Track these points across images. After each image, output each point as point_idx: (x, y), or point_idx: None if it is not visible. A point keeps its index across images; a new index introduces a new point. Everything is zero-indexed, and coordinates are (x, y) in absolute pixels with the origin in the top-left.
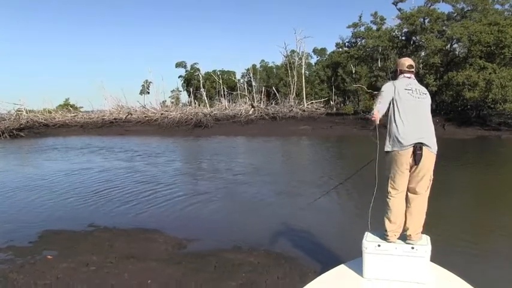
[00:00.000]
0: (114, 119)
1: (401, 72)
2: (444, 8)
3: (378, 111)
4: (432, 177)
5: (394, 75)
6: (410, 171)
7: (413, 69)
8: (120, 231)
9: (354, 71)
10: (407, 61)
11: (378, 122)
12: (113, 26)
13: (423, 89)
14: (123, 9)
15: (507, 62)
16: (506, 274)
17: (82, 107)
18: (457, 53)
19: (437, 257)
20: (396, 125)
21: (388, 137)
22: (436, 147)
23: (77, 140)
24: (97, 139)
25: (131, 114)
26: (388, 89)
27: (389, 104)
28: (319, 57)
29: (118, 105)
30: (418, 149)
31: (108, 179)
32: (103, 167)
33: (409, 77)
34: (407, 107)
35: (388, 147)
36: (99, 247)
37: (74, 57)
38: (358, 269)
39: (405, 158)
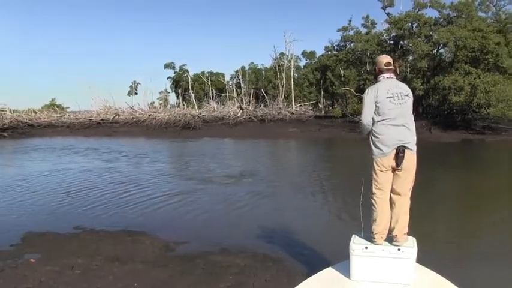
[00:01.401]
0: (102, 119)
1: (380, 71)
2: (431, 13)
3: (365, 122)
4: (414, 177)
5: (375, 74)
6: (393, 172)
7: (391, 67)
8: (106, 233)
9: (342, 74)
10: (385, 58)
11: (368, 130)
12: (101, 26)
13: (405, 90)
14: (111, 10)
15: (491, 67)
16: (491, 275)
17: (68, 108)
18: (443, 57)
19: (423, 259)
20: (379, 132)
21: (371, 142)
22: (415, 147)
23: (63, 140)
24: (83, 140)
25: (119, 115)
26: (368, 99)
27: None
28: (308, 60)
29: (105, 106)
30: (400, 152)
31: (93, 180)
32: (86, 168)
33: (389, 77)
34: (390, 115)
35: (371, 152)
36: (84, 250)
37: (61, 57)
38: (346, 272)
39: (388, 160)
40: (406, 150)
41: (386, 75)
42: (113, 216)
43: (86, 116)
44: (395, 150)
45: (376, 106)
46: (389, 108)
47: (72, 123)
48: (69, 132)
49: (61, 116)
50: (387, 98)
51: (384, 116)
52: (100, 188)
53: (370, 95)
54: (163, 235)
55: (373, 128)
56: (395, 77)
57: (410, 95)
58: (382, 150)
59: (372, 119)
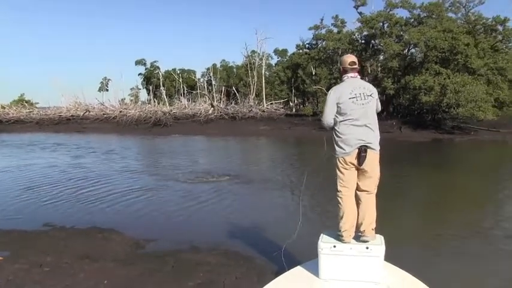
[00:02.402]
0: (72, 116)
1: (345, 70)
2: (402, 14)
3: (326, 123)
4: (379, 175)
5: (339, 74)
6: (358, 171)
7: (355, 66)
8: (76, 230)
9: (314, 73)
10: (349, 58)
11: (330, 127)
12: (71, 22)
13: (368, 90)
14: (81, 4)
15: (460, 68)
16: (458, 272)
17: (38, 103)
18: (414, 57)
19: (391, 257)
20: (341, 132)
21: (334, 142)
22: (378, 146)
23: (32, 136)
24: (53, 136)
25: (89, 112)
26: (330, 100)
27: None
28: (280, 58)
29: (76, 102)
30: (362, 151)
31: (60, 176)
32: (54, 164)
33: (353, 76)
34: (352, 115)
35: (334, 151)
36: (53, 247)
37: (30, 52)
38: (315, 270)
39: (350, 159)
40: (368, 149)
41: (351, 74)
42: (82, 212)
43: (55, 112)
44: (357, 150)
45: (338, 106)
46: (352, 109)
47: (42, 119)
48: (38, 128)
49: (30, 112)
50: (350, 98)
51: (346, 116)
52: (67, 184)
53: (332, 96)
54: (134, 232)
55: (336, 128)
56: (359, 77)
57: (374, 94)
58: (344, 150)
59: (335, 119)
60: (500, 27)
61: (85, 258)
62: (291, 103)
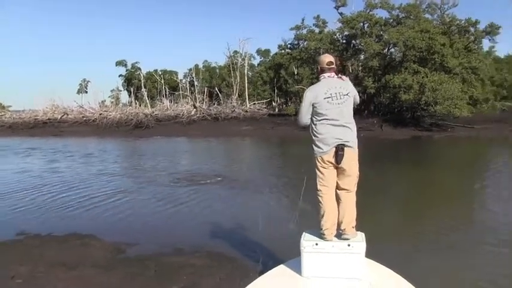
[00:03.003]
0: (48, 119)
1: (322, 70)
2: (382, 14)
3: (301, 123)
4: (358, 173)
5: (317, 73)
6: (337, 169)
7: (333, 66)
8: (52, 237)
9: (296, 73)
10: (326, 58)
11: (306, 126)
12: (49, 22)
13: (345, 89)
14: (58, 3)
15: (437, 67)
16: (437, 265)
17: (10, 106)
18: (393, 57)
19: (372, 253)
20: (318, 132)
21: (312, 142)
22: (356, 144)
23: (4, 141)
24: (28, 140)
25: (67, 114)
26: (306, 101)
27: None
28: (262, 58)
29: (53, 105)
30: (339, 150)
31: (34, 181)
32: (26, 169)
33: (330, 76)
34: (328, 115)
35: (313, 150)
36: (28, 256)
37: (3, 54)
38: (297, 268)
39: (329, 158)
40: (345, 148)
41: (327, 74)
42: (58, 219)
43: (31, 115)
44: (334, 149)
45: (314, 106)
46: (327, 109)
47: (15, 122)
48: (11, 132)
49: (2, 115)
50: (325, 98)
51: (323, 116)
52: (42, 189)
53: (308, 96)
54: (114, 237)
55: (313, 128)
56: (336, 76)
57: (351, 93)
58: (322, 149)
59: (312, 118)
60: (472, 29)
61: (62, 266)
62: (273, 103)
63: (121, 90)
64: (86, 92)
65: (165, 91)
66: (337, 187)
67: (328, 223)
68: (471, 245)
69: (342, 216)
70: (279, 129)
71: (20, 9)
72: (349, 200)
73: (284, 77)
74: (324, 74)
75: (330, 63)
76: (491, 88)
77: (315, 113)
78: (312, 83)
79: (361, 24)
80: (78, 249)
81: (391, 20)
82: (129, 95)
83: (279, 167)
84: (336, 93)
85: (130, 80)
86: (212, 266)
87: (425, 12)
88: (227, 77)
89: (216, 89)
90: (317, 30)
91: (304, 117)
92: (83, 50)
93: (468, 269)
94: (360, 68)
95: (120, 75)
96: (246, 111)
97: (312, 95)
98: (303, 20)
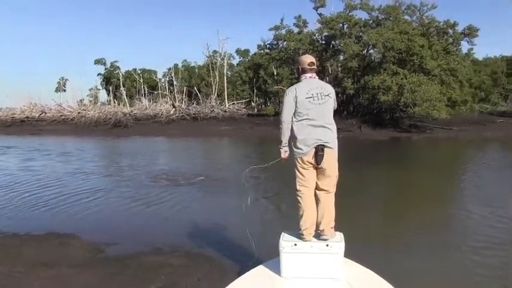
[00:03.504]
0: (26, 117)
1: (303, 71)
2: (361, 15)
3: (285, 121)
4: (337, 173)
5: (297, 74)
6: (316, 170)
7: (314, 66)
8: (30, 236)
9: (275, 73)
10: (308, 58)
11: (288, 130)
12: (28, 20)
13: (326, 90)
14: (39, 3)
15: (416, 68)
16: (418, 267)
17: None
18: (373, 58)
19: (351, 253)
20: (298, 132)
21: (291, 142)
22: (336, 145)
23: None
24: (4, 138)
25: (45, 113)
26: (288, 99)
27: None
28: (241, 58)
29: (30, 103)
30: (319, 151)
31: (11, 180)
32: (1, 167)
33: (311, 77)
34: (309, 115)
35: (293, 151)
36: (5, 256)
37: None
38: (276, 269)
39: (308, 158)
40: (325, 148)
41: (309, 74)
42: (35, 218)
43: (8, 113)
44: (314, 149)
45: (295, 106)
46: (308, 109)
47: None
48: None
49: None
50: (306, 98)
51: (303, 116)
52: (17, 188)
53: (290, 95)
54: (93, 236)
55: (293, 128)
56: (317, 77)
57: (332, 94)
58: (302, 150)
59: (292, 118)
60: (450, 31)
61: (41, 265)
62: (252, 103)
63: (100, 89)
64: (65, 90)
65: (144, 90)
66: (317, 187)
67: (307, 223)
68: (449, 246)
69: (320, 216)
70: (258, 129)
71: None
72: (328, 200)
73: (263, 77)
74: (305, 75)
75: (312, 63)
76: (469, 90)
77: (295, 113)
78: (292, 84)
79: (341, 25)
80: (57, 248)
81: (371, 21)
82: (108, 94)
83: (257, 168)
84: (317, 94)
85: (109, 79)
86: (191, 266)
87: (404, 13)
88: (206, 77)
89: (195, 89)
90: (296, 30)
91: (288, 115)
92: (61, 48)
93: (446, 269)
94: (339, 69)
95: (98, 74)
96: (225, 111)
97: (293, 94)
98: (281, 20)
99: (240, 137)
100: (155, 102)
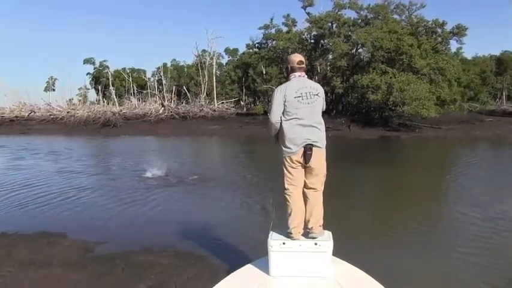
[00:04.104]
0: (15, 116)
1: (293, 70)
2: (350, 14)
3: (274, 121)
4: (326, 172)
5: (286, 72)
6: (304, 168)
7: (303, 65)
8: (19, 236)
9: (264, 72)
10: (297, 57)
11: (277, 129)
12: (14, 18)
13: (315, 89)
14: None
15: (405, 67)
16: (406, 265)
17: None
18: (361, 57)
19: (339, 252)
20: (287, 132)
21: (280, 141)
22: (324, 144)
23: None
24: None
25: (34, 112)
26: (277, 98)
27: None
28: (230, 58)
29: (19, 102)
30: (308, 150)
31: (0, 179)
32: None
33: (300, 76)
34: (298, 114)
35: (281, 150)
36: None
37: None
38: (265, 267)
39: (297, 157)
40: (313, 147)
41: (298, 73)
42: (24, 217)
43: None
44: (303, 148)
45: (284, 105)
46: (297, 108)
47: None
48: None
49: None
50: (295, 97)
51: (292, 115)
52: (5, 187)
53: (279, 94)
54: (82, 236)
55: (282, 127)
56: (306, 76)
57: (321, 94)
58: (290, 149)
59: (281, 117)
60: (439, 30)
61: (30, 265)
62: (241, 102)
63: (89, 89)
64: (54, 90)
65: (133, 89)
66: (305, 186)
67: (296, 222)
68: (439, 246)
69: (309, 215)
70: (247, 128)
71: None
72: (317, 198)
73: (252, 76)
74: (294, 73)
75: (301, 62)
76: (458, 89)
77: (284, 112)
78: (281, 83)
79: (330, 24)
80: (47, 248)
81: (360, 21)
82: (97, 93)
83: (246, 167)
84: (306, 93)
85: (98, 78)
86: (180, 265)
87: (393, 13)
88: (195, 76)
89: (184, 88)
90: (285, 29)
91: (277, 114)
92: (50, 47)
93: (436, 268)
94: (328, 68)
95: (88, 74)
96: (214, 111)
97: (282, 93)
98: (271, 19)
99: (229, 136)
100: (144, 101)
